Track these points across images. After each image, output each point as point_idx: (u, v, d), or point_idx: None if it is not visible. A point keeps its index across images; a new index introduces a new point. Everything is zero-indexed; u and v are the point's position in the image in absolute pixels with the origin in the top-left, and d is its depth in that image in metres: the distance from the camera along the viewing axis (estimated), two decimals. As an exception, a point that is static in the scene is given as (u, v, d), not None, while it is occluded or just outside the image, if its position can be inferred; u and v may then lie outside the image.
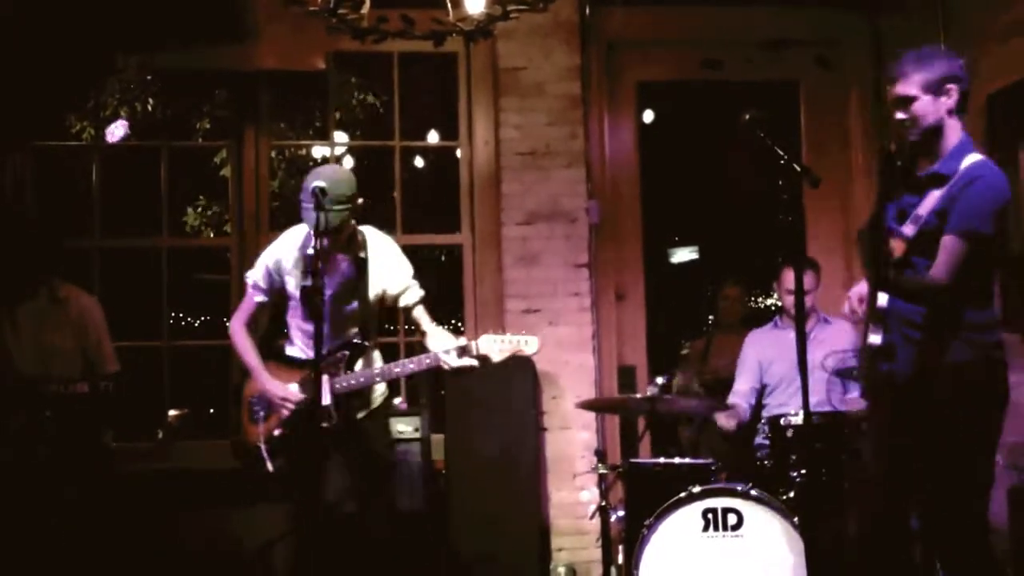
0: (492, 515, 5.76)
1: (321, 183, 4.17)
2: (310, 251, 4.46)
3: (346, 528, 4.42)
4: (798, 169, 3.81)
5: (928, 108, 3.81)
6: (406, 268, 4.67)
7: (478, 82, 6.31)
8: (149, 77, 7.92)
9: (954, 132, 3.85)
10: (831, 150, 6.57)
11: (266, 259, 4.63)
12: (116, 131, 7.90)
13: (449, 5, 4.77)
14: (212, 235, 9.39)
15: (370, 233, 4.65)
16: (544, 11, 4.92)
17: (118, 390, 4.94)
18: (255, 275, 4.65)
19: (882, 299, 3.84)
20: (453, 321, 7.88)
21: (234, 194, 6.38)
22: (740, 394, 5.87)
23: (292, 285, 4.56)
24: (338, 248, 4.48)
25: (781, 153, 3.76)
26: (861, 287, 3.99)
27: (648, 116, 8.25)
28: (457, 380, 5.85)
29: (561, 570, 6.03)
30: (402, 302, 4.65)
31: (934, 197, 3.78)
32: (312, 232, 4.38)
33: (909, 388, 3.80)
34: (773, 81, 6.86)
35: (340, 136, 7.91)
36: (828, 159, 6.46)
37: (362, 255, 4.54)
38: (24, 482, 4.72)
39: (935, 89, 3.80)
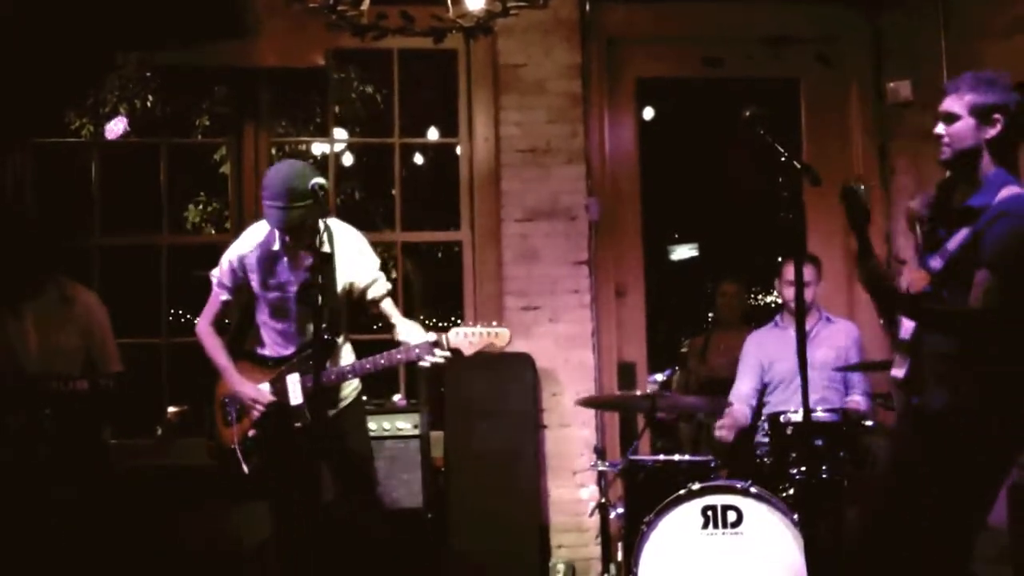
0: (492, 512, 5.76)
1: (320, 180, 4.17)
2: (276, 247, 4.45)
3: (330, 525, 4.39)
4: (799, 167, 3.79)
5: (968, 132, 3.71)
6: (372, 260, 4.64)
7: (478, 79, 6.30)
8: (148, 74, 7.91)
9: (992, 163, 3.74)
10: (832, 148, 6.55)
11: (230, 256, 4.58)
12: (115, 128, 7.90)
13: (449, 2, 4.77)
14: (213, 232, 9.40)
15: (335, 225, 4.60)
16: (544, 8, 4.93)
17: (119, 388, 4.94)
18: (219, 274, 4.60)
19: (904, 330, 3.82)
20: (453, 318, 7.88)
21: (234, 191, 6.37)
22: (741, 395, 5.86)
23: (256, 283, 4.53)
24: (302, 244, 4.44)
25: (781, 150, 3.74)
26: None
27: (648, 113, 8.25)
28: (457, 377, 5.88)
29: (560, 567, 6.02)
30: (369, 295, 4.61)
31: (964, 232, 3.69)
32: (277, 230, 4.37)
33: (935, 424, 3.73)
34: (773, 78, 6.85)
35: (340, 133, 7.91)
36: (829, 157, 6.45)
37: (327, 250, 4.46)
38: (23, 480, 4.71)
39: (982, 115, 3.69)
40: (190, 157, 8.92)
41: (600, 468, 5.31)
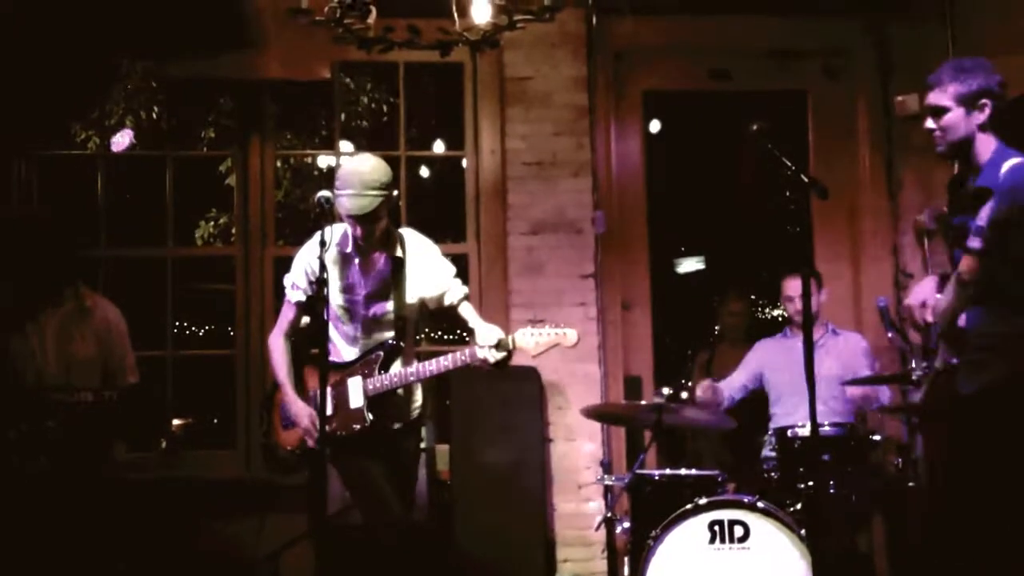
0: (497, 526, 5.74)
1: (326, 193, 4.15)
2: (348, 249, 4.46)
3: (363, 536, 4.41)
4: (805, 180, 3.79)
5: (959, 121, 3.79)
6: (445, 269, 4.62)
7: (484, 92, 6.30)
8: (154, 84, 7.91)
9: (987, 144, 3.81)
10: (838, 160, 6.53)
11: (300, 261, 4.60)
12: (121, 140, 7.89)
13: (456, 15, 4.77)
14: (220, 245, 9.37)
15: (409, 234, 4.63)
16: (551, 21, 4.91)
17: (126, 400, 4.92)
18: (293, 276, 4.62)
19: (962, 319, 3.80)
20: (458, 331, 7.89)
21: (239, 203, 6.36)
22: (730, 384, 5.90)
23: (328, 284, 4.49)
24: (374, 244, 4.46)
25: (789, 164, 3.74)
26: (923, 290, 3.94)
27: (655, 126, 8.24)
28: (462, 390, 5.87)
29: (566, 582, 6.01)
30: (445, 301, 4.59)
31: (986, 208, 3.70)
32: (349, 221, 4.35)
33: (967, 406, 3.74)
34: (780, 91, 6.84)
35: (346, 145, 7.89)
36: (835, 169, 6.44)
37: (399, 254, 4.50)
38: (24, 490, 4.70)
39: (969, 103, 3.77)
40: (195, 169, 8.91)
41: (606, 482, 5.29)
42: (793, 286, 5.72)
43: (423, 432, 4.76)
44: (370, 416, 4.42)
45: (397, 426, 4.57)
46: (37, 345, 4.94)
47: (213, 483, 5.91)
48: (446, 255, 4.77)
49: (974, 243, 3.72)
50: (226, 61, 6.14)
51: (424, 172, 9.19)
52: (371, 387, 4.44)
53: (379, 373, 4.45)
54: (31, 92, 5.91)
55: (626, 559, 5.05)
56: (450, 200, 7.13)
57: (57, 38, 5.84)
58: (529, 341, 4.36)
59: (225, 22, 5.96)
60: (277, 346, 4.66)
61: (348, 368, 4.51)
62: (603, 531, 5.30)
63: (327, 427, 4.43)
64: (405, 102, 6.46)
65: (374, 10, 4.74)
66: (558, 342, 4.38)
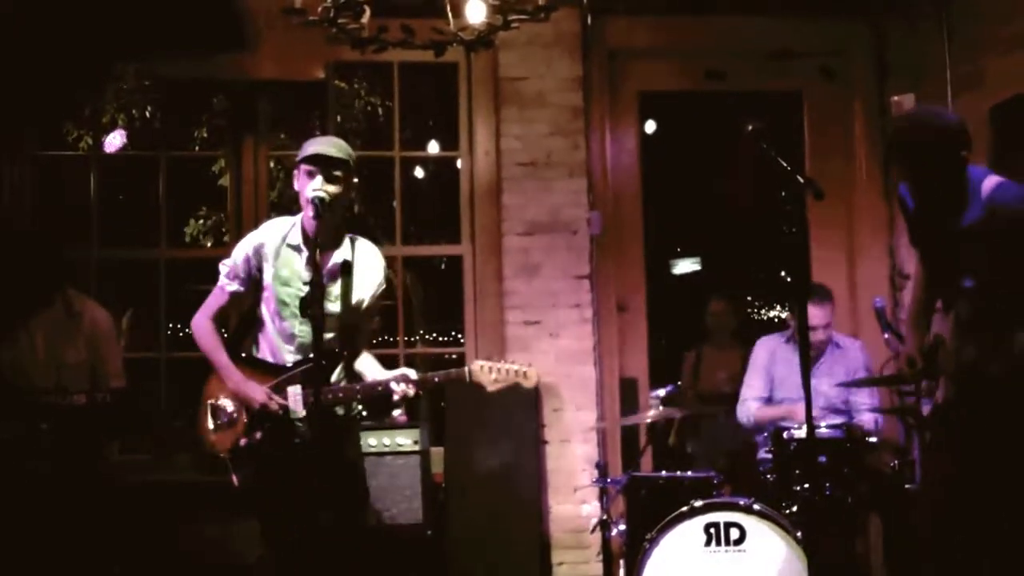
0: (492, 529, 5.73)
1: (321, 194, 4.08)
2: (295, 240, 4.22)
3: (319, 543, 4.10)
4: (801, 181, 3.76)
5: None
6: (379, 291, 4.34)
7: (479, 92, 6.28)
8: (147, 83, 7.89)
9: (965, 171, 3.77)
10: (835, 161, 6.53)
11: (245, 246, 4.29)
12: (114, 141, 7.88)
13: (450, 15, 4.76)
14: (211, 244, 9.35)
15: (360, 240, 4.36)
16: (545, 21, 4.89)
17: (118, 402, 4.90)
18: (232, 262, 4.30)
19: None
20: (453, 333, 7.87)
21: (232, 204, 6.35)
22: (755, 392, 5.80)
23: (269, 276, 4.23)
24: (328, 243, 4.21)
25: (784, 164, 3.72)
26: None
27: (650, 126, 8.23)
28: (457, 393, 5.84)
29: (561, 584, 5.99)
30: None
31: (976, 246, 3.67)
32: (311, 209, 4.10)
33: (993, 394, 3.69)
34: (776, 91, 6.84)
35: (340, 146, 7.86)
36: (832, 170, 6.43)
37: (348, 258, 4.24)
38: (18, 494, 4.68)
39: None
40: (189, 169, 8.89)
41: (602, 484, 5.28)
42: (815, 315, 5.56)
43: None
44: (308, 431, 4.10)
45: (334, 436, 4.22)
46: (27, 349, 4.93)
47: (206, 485, 5.88)
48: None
49: (967, 282, 3.70)
50: (219, 61, 6.12)
51: (419, 173, 9.18)
52: (311, 399, 4.07)
53: (322, 385, 4.06)
54: (24, 92, 5.88)
55: (622, 562, 5.05)
56: (445, 201, 7.12)
57: (50, 38, 5.82)
58: (487, 377, 4.18)
59: (218, 22, 5.94)
60: (206, 327, 4.28)
61: (286, 373, 4.19)
62: (598, 534, 5.29)
63: (261, 437, 4.18)
64: (399, 103, 6.43)
65: (368, 10, 4.71)
66: (517, 382, 4.18)
